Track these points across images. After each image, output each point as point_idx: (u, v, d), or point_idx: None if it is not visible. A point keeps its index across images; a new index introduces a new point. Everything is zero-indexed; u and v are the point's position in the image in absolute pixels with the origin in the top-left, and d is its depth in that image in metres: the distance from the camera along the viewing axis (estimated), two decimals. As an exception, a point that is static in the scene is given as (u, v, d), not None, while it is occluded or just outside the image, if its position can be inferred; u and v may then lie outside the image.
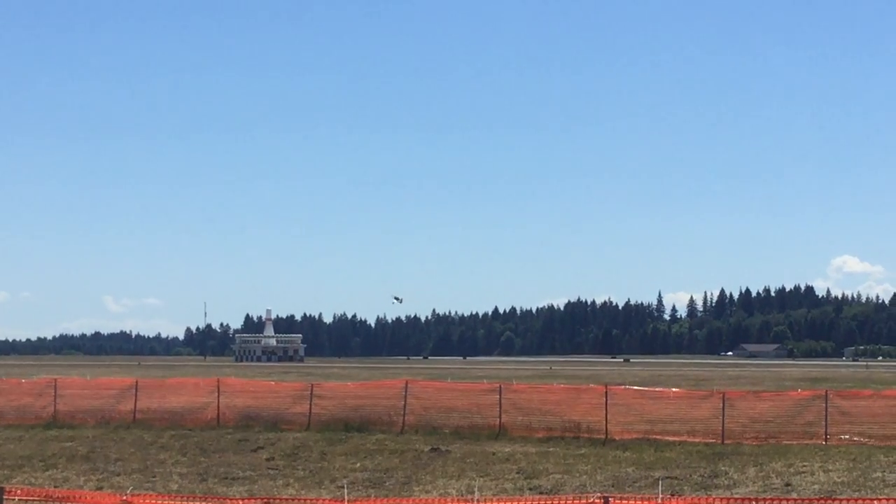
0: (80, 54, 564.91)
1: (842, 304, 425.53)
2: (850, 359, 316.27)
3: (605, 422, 37.53)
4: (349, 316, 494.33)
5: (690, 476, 28.40)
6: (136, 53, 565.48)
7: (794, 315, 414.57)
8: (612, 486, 26.64)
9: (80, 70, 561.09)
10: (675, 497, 22.65)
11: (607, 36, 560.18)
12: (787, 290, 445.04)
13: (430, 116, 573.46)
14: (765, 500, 22.02)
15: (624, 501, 18.28)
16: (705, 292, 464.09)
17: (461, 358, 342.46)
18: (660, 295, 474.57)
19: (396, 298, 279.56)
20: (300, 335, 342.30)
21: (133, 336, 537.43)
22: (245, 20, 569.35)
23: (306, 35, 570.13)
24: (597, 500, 17.14)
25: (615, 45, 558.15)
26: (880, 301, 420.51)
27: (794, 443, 35.47)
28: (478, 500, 18.27)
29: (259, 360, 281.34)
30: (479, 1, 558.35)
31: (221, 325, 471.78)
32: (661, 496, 19.79)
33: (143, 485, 26.62)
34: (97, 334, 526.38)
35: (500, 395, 39.92)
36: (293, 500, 21.98)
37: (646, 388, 45.78)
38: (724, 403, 37.44)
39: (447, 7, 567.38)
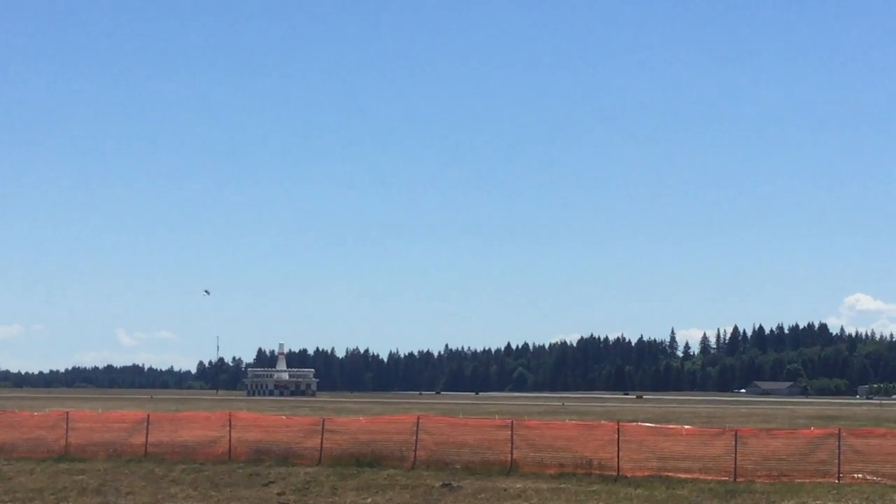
0: (99, 78, 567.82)
1: (855, 341, 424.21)
2: (864, 397, 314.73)
3: (617, 458, 37.43)
4: (362, 351, 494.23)
5: (702, 513, 28.31)
6: (161, 78, 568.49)
7: (808, 353, 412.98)
8: (624, 523, 26.58)
9: (98, 98, 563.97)
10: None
11: (622, 64, 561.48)
12: (801, 327, 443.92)
13: (445, 154, 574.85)
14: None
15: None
16: (718, 329, 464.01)
17: (473, 393, 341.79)
18: (672, 332, 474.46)
19: (206, 291, 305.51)
20: (312, 370, 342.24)
21: (145, 369, 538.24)
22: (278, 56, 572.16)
23: (325, 70, 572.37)
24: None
25: (629, 77, 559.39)
26: (894, 339, 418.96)
27: (807, 481, 35.35)
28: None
29: (271, 394, 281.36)
30: (494, 27, 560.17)
31: (234, 359, 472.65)
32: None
33: (154, 518, 26.65)
34: (109, 367, 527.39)
35: (511, 431, 39.83)
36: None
37: (658, 425, 45.58)
38: (736, 441, 37.32)
39: (477, 45, 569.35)
